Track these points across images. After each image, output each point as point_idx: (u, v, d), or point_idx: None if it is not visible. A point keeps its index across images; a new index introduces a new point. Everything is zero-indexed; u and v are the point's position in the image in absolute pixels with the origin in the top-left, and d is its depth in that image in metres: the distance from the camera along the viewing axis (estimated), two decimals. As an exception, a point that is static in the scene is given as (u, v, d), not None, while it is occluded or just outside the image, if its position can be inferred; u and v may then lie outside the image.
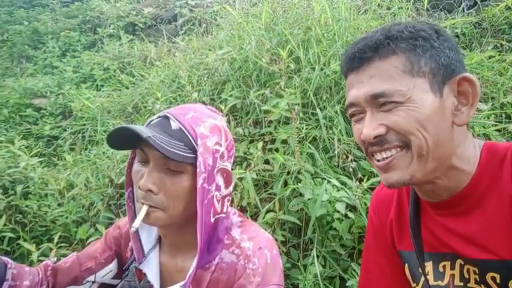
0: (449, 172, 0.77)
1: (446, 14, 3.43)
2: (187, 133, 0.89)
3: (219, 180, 0.92)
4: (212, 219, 0.90)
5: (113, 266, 1.06)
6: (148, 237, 1.02)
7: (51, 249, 2.10)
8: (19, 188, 2.53)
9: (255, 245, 0.93)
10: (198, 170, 0.86)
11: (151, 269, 0.98)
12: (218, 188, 0.92)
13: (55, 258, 0.95)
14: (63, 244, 2.18)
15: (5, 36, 5.92)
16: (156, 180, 0.87)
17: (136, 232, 1.00)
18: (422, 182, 0.78)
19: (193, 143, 0.88)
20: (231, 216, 1.00)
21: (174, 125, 0.89)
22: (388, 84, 0.73)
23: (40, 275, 1.03)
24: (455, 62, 0.76)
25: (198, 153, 0.87)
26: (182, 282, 0.91)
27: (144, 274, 0.98)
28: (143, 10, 5.51)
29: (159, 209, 0.87)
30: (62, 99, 4.04)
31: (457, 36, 3.05)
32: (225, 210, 0.95)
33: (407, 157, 0.74)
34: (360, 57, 0.77)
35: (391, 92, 0.73)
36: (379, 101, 0.74)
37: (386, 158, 0.75)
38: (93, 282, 1.06)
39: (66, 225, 2.30)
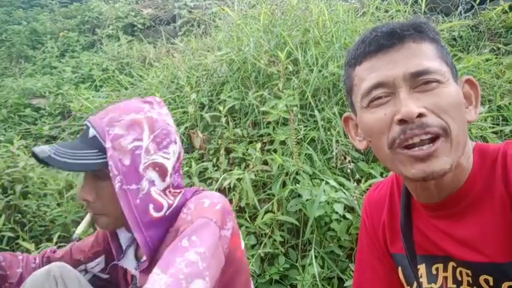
0: (455, 169, 0.75)
1: (443, 17, 3.46)
2: (99, 138, 0.89)
3: (151, 175, 0.91)
4: (158, 214, 0.91)
5: (100, 260, 1.13)
6: (125, 235, 1.06)
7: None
8: (18, 188, 2.53)
9: (197, 198, 0.96)
10: (111, 174, 0.87)
11: (130, 264, 1.02)
12: (152, 183, 0.91)
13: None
14: (62, 243, 2.18)
15: (4, 36, 5.91)
16: (89, 190, 0.91)
17: (115, 232, 1.06)
18: (446, 173, 0.73)
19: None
20: (186, 194, 1.00)
21: (91, 131, 0.91)
22: (429, 63, 0.72)
23: (37, 261, 1.13)
24: (455, 66, 0.79)
25: (108, 157, 0.87)
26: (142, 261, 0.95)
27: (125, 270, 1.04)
28: (142, 11, 5.52)
29: (102, 214, 0.92)
30: (60, 99, 4.04)
31: (454, 39, 3.08)
32: (172, 201, 0.95)
33: (447, 145, 0.72)
34: (400, 34, 0.73)
35: (435, 69, 0.72)
36: (420, 80, 0.72)
37: (428, 145, 0.71)
38: (85, 271, 1.14)
39: (65, 225, 2.31)
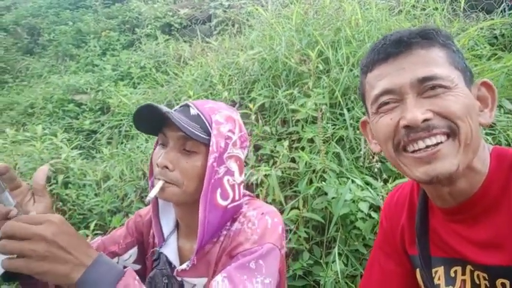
0: (468, 173, 0.76)
1: (484, 14, 3.32)
2: (203, 118, 0.98)
3: (232, 165, 1.00)
4: (222, 202, 0.97)
5: (133, 251, 1.15)
6: (167, 223, 1.11)
7: (87, 236, 2.24)
8: (60, 178, 2.71)
9: (258, 212, 1.00)
10: (210, 149, 0.95)
11: (171, 252, 1.06)
12: (230, 173, 0.99)
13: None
14: (98, 231, 2.31)
15: (52, 36, 6.29)
16: (173, 158, 0.95)
17: (157, 218, 1.10)
18: (458, 176, 0.74)
19: (209, 127, 0.97)
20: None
21: (193, 111, 0.99)
22: (437, 69, 0.73)
23: None
24: (470, 70, 0.79)
25: (212, 135, 0.96)
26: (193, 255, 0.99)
27: (165, 256, 1.06)
28: (179, 11, 5.68)
29: (174, 184, 0.95)
30: (101, 95, 4.26)
31: (496, 37, 2.96)
32: (238, 197, 1.02)
33: (454, 145, 0.72)
34: (407, 42, 0.75)
35: (442, 76, 0.72)
36: (427, 85, 0.73)
37: (432, 146, 0.72)
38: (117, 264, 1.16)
39: (102, 214, 2.44)
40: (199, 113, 0.99)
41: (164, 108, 0.92)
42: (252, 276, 0.88)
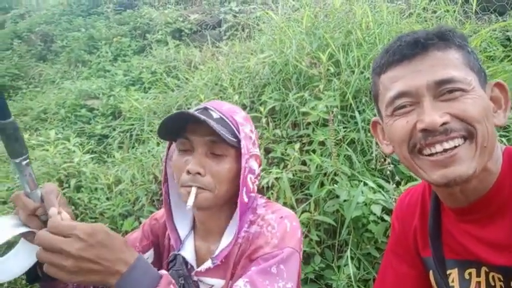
0: (481, 173, 0.75)
1: (497, 16, 3.29)
2: (227, 121, 0.98)
3: (253, 164, 1.01)
4: (246, 199, 0.99)
5: (149, 254, 1.15)
6: (183, 226, 1.11)
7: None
8: (73, 182, 2.74)
9: (277, 216, 1.00)
10: (242, 151, 0.96)
11: (188, 253, 1.06)
12: (252, 172, 1.01)
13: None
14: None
15: (65, 42, 6.39)
16: (204, 164, 0.95)
17: (172, 223, 1.10)
18: (473, 177, 0.73)
19: (234, 129, 0.98)
20: (257, 199, 1.08)
21: (215, 114, 0.98)
22: (455, 72, 0.72)
23: None
24: (484, 70, 0.78)
25: (241, 137, 0.97)
26: (215, 253, 0.99)
27: (182, 257, 1.05)
28: (189, 17, 5.74)
29: (207, 190, 0.95)
30: (112, 100, 4.30)
31: (508, 39, 2.92)
32: (254, 192, 1.03)
33: (471, 149, 0.71)
34: (423, 44, 0.74)
35: (460, 78, 0.72)
36: (444, 88, 0.72)
37: (449, 149, 0.71)
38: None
39: (113, 218, 2.46)
40: (222, 116, 0.99)
41: (201, 116, 0.92)
42: (274, 281, 0.89)
